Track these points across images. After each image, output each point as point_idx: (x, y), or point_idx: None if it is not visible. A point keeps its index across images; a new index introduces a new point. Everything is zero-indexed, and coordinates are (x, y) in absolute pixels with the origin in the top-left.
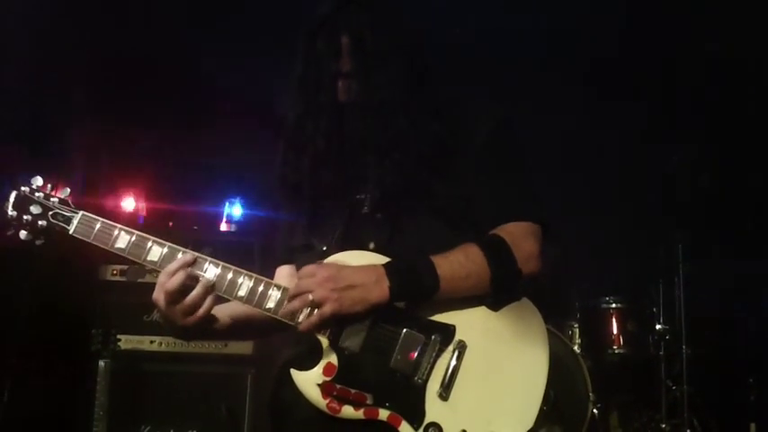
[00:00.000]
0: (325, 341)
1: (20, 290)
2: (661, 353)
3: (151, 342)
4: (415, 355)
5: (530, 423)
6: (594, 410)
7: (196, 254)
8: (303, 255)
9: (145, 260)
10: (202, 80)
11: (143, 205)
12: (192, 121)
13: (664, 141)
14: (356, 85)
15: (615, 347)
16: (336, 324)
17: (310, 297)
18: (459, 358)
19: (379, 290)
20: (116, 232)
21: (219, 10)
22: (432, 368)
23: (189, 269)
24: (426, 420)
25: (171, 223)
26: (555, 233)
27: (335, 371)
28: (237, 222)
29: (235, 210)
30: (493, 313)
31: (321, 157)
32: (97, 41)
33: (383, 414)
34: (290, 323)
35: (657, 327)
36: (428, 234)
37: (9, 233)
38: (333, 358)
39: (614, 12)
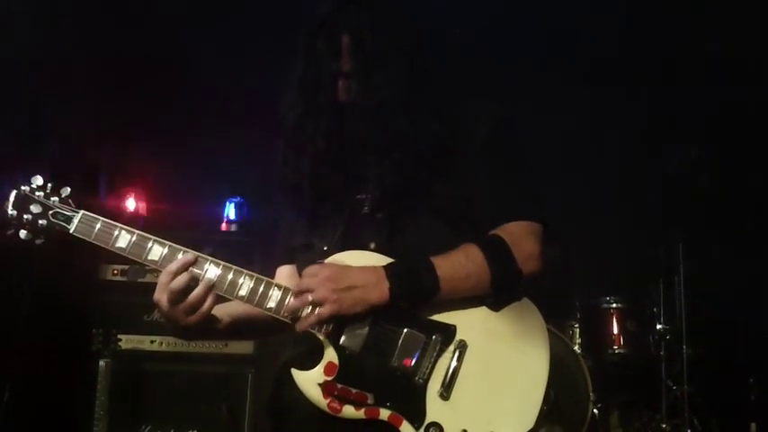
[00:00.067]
0: (325, 341)
1: (20, 289)
2: (661, 353)
3: (152, 342)
4: (416, 354)
5: (530, 423)
6: (595, 410)
7: (197, 253)
8: (304, 255)
9: (146, 260)
10: (203, 80)
11: (143, 205)
12: (192, 121)
13: (664, 141)
14: (356, 84)
15: (615, 347)
16: (336, 324)
17: (310, 297)
18: (460, 358)
19: (379, 291)
20: (117, 232)
21: (219, 10)
22: (432, 368)
23: (190, 269)
24: (427, 420)
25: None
26: (555, 233)
27: (336, 370)
28: (238, 222)
29: (235, 210)
30: (493, 313)
31: (321, 156)
32: (97, 41)
33: (384, 414)
34: (291, 322)
35: (658, 327)
36: (428, 234)
37: (9, 232)
38: (334, 358)
39: (614, 12)
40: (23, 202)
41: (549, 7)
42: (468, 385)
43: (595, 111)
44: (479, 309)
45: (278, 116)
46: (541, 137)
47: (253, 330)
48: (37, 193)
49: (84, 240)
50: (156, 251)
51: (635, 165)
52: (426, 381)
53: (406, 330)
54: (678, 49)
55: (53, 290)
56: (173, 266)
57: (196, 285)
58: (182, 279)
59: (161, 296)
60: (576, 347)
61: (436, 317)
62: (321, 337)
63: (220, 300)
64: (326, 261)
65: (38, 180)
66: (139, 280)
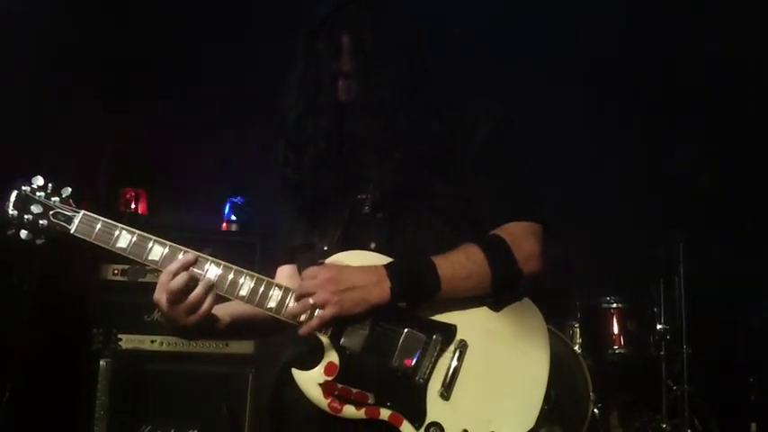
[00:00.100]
0: (326, 340)
1: (21, 289)
2: (661, 353)
3: (152, 342)
4: (417, 354)
5: (530, 423)
6: (595, 410)
7: (197, 253)
8: (304, 255)
9: (146, 260)
10: (203, 80)
11: (143, 205)
12: (192, 121)
13: (664, 141)
14: (356, 84)
15: (616, 347)
16: (337, 324)
17: (311, 300)
18: (461, 358)
19: (380, 291)
20: (117, 232)
21: (220, 10)
22: (433, 368)
23: (190, 269)
24: (428, 420)
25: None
26: (555, 233)
27: (337, 370)
28: (238, 222)
29: (235, 210)
30: (494, 313)
31: (321, 156)
32: (97, 41)
33: (384, 414)
34: (292, 323)
35: (658, 326)
36: (429, 234)
37: (10, 232)
38: (334, 358)
39: (614, 12)
40: (24, 202)
41: (549, 7)
42: (469, 385)
43: (595, 111)
44: (480, 309)
45: (278, 116)
46: (541, 137)
47: (253, 330)
48: (37, 194)
49: (85, 240)
50: (157, 251)
51: (635, 165)
52: (427, 380)
53: (406, 330)
54: (678, 49)
55: (54, 290)
56: (173, 266)
57: (196, 285)
58: (182, 279)
59: (161, 296)
60: (576, 347)
61: (437, 317)
62: (321, 337)
63: (221, 300)
64: (326, 261)
65: (38, 180)
66: (140, 280)
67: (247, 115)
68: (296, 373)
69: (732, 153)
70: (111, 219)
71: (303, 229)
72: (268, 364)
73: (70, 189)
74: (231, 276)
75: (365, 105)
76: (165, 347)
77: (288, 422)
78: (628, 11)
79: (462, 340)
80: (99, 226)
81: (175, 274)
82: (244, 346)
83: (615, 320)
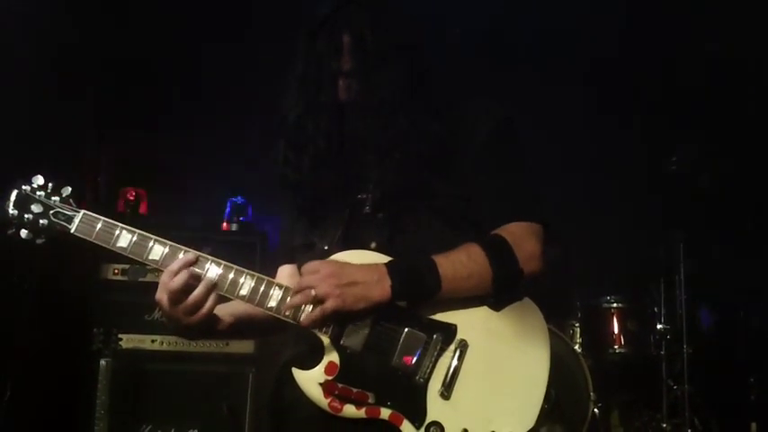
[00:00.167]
0: (326, 340)
1: (21, 289)
2: (662, 352)
3: (152, 341)
4: (417, 354)
5: (531, 422)
6: (595, 410)
7: (198, 253)
8: (304, 254)
9: (147, 259)
10: (203, 80)
11: (144, 205)
12: (192, 121)
13: (664, 141)
14: (356, 84)
15: (616, 347)
16: (338, 322)
17: (313, 293)
18: (461, 358)
19: (381, 288)
20: (117, 231)
21: (220, 10)
22: (433, 367)
23: (191, 268)
24: (428, 419)
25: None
26: (555, 233)
27: (337, 370)
28: (239, 222)
29: (235, 210)
30: (494, 313)
31: (322, 156)
32: (97, 41)
33: (385, 413)
34: (292, 321)
35: (658, 326)
36: (429, 234)
37: (10, 232)
38: (334, 357)
39: (614, 12)
40: (24, 202)
41: (549, 7)
42: (469, 384)
43: (595, 111)
44: (480, 308)
45: (278, 116)
46: (541, 137)
47: (254, 330)
48: (38, 193)
49: (85, 240)
50: (157, 251)
51: (635, 165)
52: (427, 380)
53: (406, 330)
54: (678, 49)
55: (54, 289)
56: (174, 266)
57: (197, 285)
58: (182, 278)
59: (162, 296)
60: (576, 347)
61: (437, 316)
62: (322, 337)
63: (221, 299)
64: (327, 259)
65: (38, 180)
66: (140, 279)
67: (247, 115)
68: (296, 372)
69: (732, 153)
70: (112, 219)
71: (303, 229)
72: (268, 363)
73: (70, 189)
74: (232, 276)
75: (365, 105)
76: (165, 347)
77: (288, 422)
78: (628, 11)
79: (463, 340)
80: (99, 225)
81: (176, 274)
82: (244, 346)
83: (615, 320)
